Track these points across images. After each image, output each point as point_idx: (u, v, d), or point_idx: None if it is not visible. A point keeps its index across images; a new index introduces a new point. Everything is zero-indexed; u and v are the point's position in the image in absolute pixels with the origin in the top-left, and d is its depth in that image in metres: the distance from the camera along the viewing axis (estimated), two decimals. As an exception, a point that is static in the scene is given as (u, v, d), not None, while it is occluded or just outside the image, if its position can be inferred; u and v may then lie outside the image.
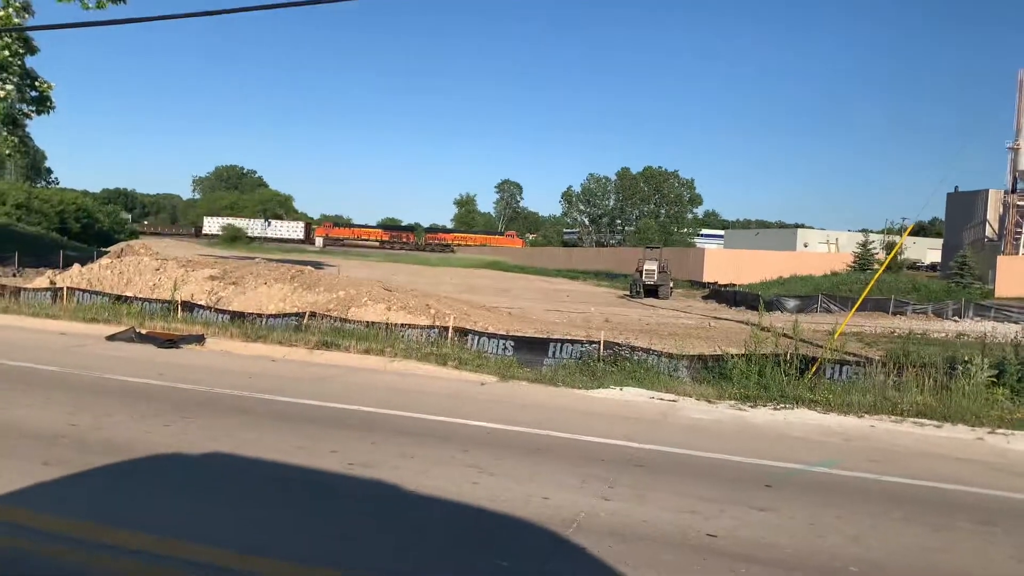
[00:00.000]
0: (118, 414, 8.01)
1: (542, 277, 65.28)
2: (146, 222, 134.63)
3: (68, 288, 18.36)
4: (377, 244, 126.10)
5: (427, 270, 64.52)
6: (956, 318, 32.96)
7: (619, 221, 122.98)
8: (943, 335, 25.18)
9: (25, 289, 18.89)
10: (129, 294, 18.55)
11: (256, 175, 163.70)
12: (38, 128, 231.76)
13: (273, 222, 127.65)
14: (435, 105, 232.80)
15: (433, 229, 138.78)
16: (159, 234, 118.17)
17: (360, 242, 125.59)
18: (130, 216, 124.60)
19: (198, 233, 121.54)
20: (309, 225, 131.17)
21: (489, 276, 61.08)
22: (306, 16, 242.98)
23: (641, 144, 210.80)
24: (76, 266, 21.72)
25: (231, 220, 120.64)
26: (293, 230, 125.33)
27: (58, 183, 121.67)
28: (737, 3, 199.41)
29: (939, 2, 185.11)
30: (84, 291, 18.27)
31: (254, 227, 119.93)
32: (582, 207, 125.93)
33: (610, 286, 54.12)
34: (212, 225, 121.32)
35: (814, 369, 11.40)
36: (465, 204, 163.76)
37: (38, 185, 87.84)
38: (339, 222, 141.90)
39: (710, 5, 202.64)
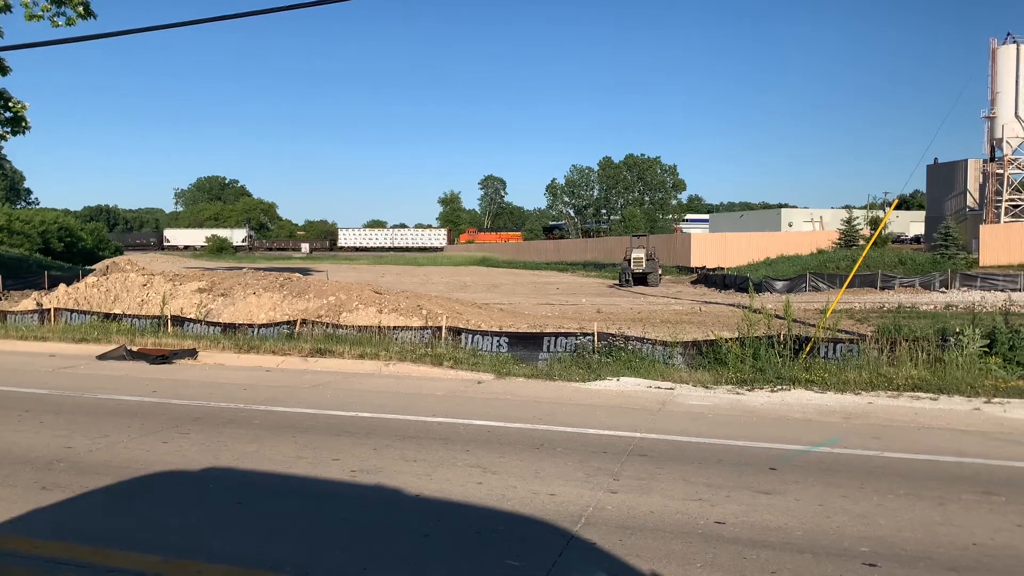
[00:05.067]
0: (114, 434, 7.93)
1: (531, 271, 65.34)
2: (263, 239, 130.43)
3: (55, 309, 18.18)
4: None
5: (416, 270, 64.45)
6: (943, 289, 33.25)
7: (604, 211, 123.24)
8: (932, 307, 25.39)
9: (11, 312, 18.68)
10: (117, 311, 18.39)
11: (239, 184, 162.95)
12: (14, 149, 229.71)
13: (416, 230, 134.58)
14: (415, 104, 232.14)
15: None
16: (283, 249, 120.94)
17: (506, 247, 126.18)
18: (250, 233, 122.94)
19: (332, 246, 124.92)
20: (451, 232, 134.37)
21: (478, 273, 61.10)
22: (279, 20, 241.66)
23: (622, 132, 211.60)
24: (62, 286, 21.45)
25: (371, 231, 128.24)
26: (435, 238, 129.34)
27: (38, 203, 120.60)
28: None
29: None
30: (72, 311, 18.10)
31: (398, 237, 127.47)
32: (567, 199, 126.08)
33: (598, 276, 54.26)
34: (349, 238, 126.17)
35: (808, 349, 11.44)
36: (450, 202, 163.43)
37: (18, 206, 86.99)
38: (482, 227, 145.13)
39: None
